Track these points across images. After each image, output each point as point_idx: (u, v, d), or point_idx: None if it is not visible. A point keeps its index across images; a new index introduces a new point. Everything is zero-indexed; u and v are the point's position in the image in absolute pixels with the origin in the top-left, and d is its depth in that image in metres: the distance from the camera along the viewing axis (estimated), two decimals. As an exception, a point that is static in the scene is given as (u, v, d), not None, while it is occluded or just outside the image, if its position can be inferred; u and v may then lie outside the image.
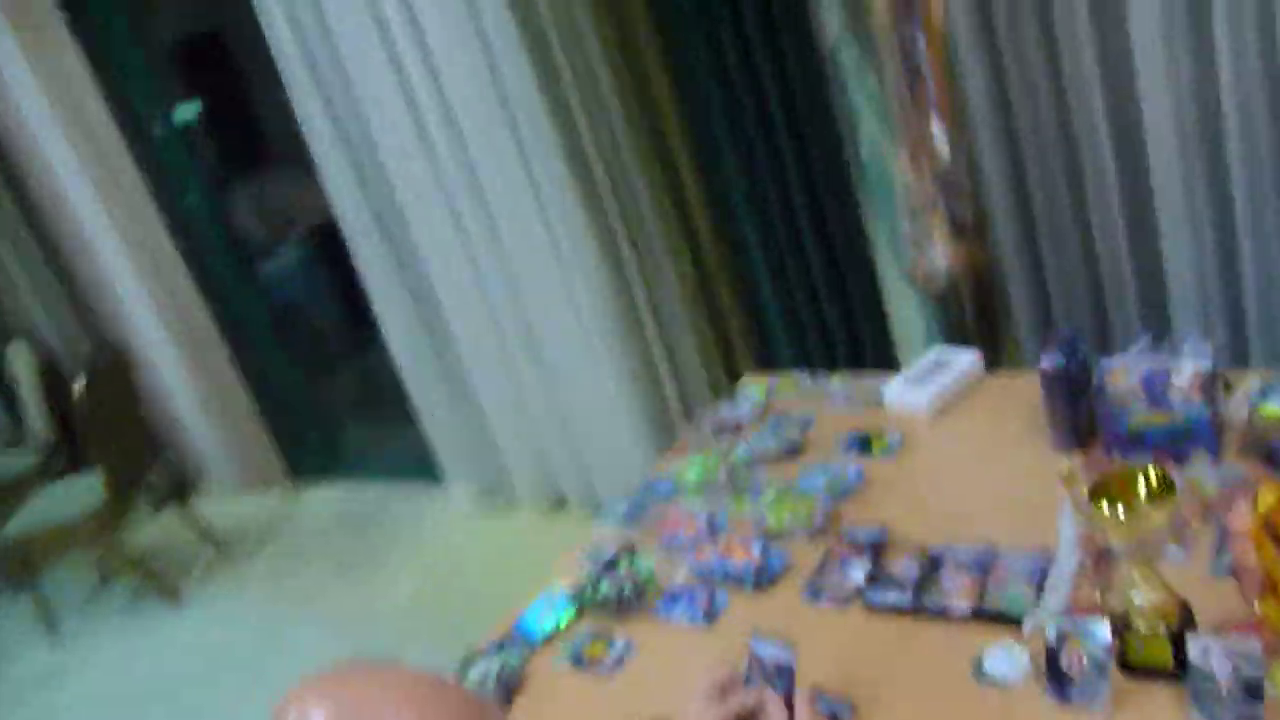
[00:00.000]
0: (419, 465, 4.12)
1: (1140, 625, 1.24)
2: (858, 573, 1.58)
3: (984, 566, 1.49)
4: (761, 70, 2.76)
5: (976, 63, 2.36)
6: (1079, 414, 1.69)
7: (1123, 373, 1.60)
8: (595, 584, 1.72)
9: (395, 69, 3.14)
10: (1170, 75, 2.16)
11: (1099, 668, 1.23)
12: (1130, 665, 1.25)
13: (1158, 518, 1.17)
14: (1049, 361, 1.68)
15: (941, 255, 2.42)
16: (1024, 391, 1.94)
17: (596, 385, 3.32)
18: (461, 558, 3.77)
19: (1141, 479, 1.23)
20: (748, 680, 1.30)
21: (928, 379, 2.02)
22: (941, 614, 1.45)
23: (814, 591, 1.58)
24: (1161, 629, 1.23)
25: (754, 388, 2.27)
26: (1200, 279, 2.31)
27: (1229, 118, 2.14)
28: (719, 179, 3.02)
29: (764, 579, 1.64)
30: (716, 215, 3.08)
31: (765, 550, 1.69)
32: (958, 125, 2.39)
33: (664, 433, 3.25)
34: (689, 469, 2.00)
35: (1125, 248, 2.37)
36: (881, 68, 2.41)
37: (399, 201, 3.42)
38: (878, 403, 2.06)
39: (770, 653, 1.29)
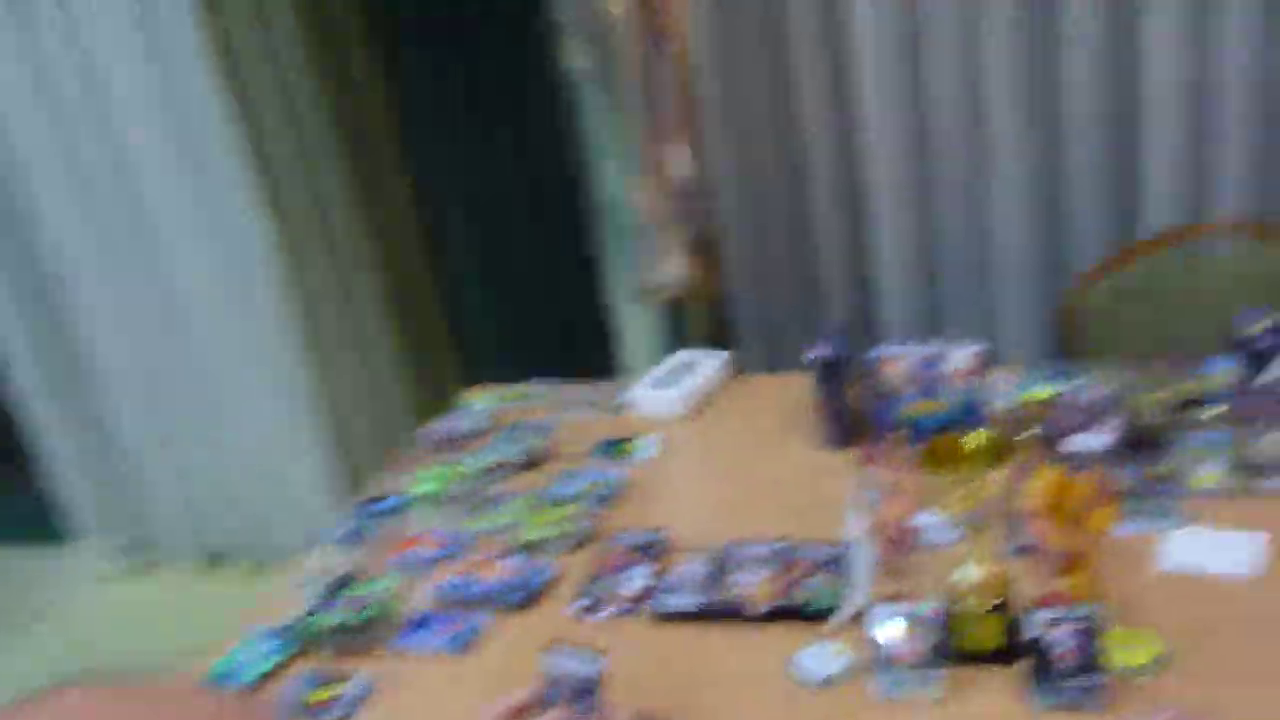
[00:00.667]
0: (36, 523, 3.45)
1: (970, 604, 1.15)
2: (639, 579, 1.39)
3: (782, 562, 1.36)
4: (485, 81, 2.59)
5: (716, 86, 2.33)
6: (847, 406, 1.62)
7: (895, 361, 1.55)
8: (315, 615, 1.41)
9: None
10: (891, 105, 2.23)
11: (931, 654, 1.11)
12: (960, 650, 1.15)
13: (994, 483, 1.08)
14: (820, 351, 1.60)
15: (675, 269, 2.34)
16: (777, 392, 1.87)
17: (270, 419, 2.92)
18: (99, 625, 3.16)
19: (972, 444, 1.14)
20: (547, 704, 1.07)
21: (676, 381, 1.89)
22: (741, 614, 1.29)
23: (590, 603, 1.38)
24: (991, 607, 1.14)
25: (480, 400, 2.04)
26: (905, 292, 2.38)
27: (937, 135, 2.23)
28: (430, 193, 2.79)
29: (527, 596, 1.41)
30: (424, 230, 2.83)
31: (524, 564, 1.46)
32: (696, 146, 2.36)
33: (352, 471, 2.90)
34: (420, 483, 1.73)
35: (845, 264, 2.40)
36: (619, 89, 2.35)
37: (26, 198, 2.87)
38: (623, 408, 1.90)
39: (570, 667, 1.07)
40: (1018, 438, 1.42)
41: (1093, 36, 2.06)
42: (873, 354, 1.58)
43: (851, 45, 2.21)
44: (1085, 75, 2.09)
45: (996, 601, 1.14)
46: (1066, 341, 2.01)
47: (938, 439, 1.14)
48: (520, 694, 1.06)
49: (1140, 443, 1.48)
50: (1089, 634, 1.06)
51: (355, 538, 1.62)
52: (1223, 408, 1.53)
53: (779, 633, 1.26)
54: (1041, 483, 1.34)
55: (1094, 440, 1.46)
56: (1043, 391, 1.54)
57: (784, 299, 2.45)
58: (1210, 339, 1.75)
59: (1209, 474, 1.40)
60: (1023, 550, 1.32)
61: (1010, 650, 1.14)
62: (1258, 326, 1.44)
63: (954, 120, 2.20)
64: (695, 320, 2.42)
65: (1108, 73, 2.08)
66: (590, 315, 2.68)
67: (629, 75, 2.37)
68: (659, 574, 1.39)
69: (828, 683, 1.17)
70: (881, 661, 1.13)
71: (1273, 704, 1.03)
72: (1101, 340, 1.91)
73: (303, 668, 1.36)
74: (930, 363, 1.53)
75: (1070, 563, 1.27)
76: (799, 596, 1.29)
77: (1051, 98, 2.13)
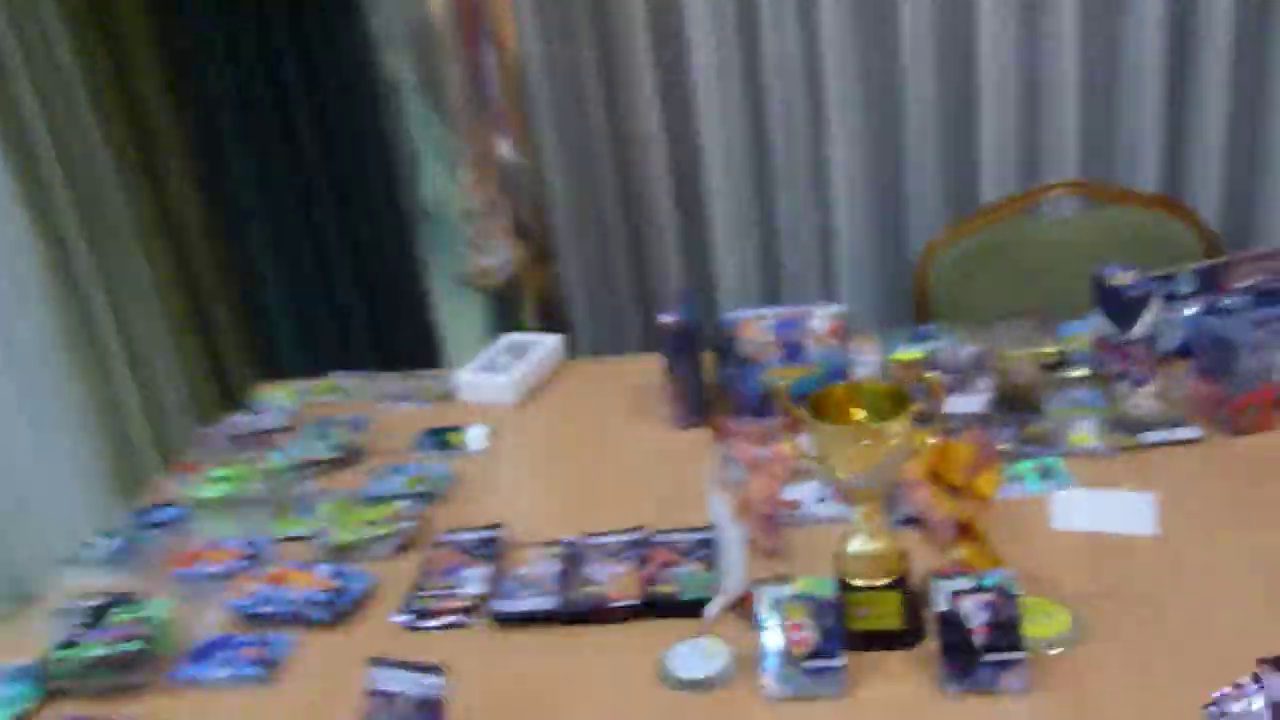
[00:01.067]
0: None
1: (864, 580, 1.00)
2: (476, 582, 1.18)
3: (640, 552, 1.18)
4: (290, 74, 2.33)
5: (544, 74, 2.15)
6: (700, 378, 1.47)
7: (754, 325, 1.41)
8: (69, 649, 1.14)
9: None
10: (722, 94, 2.11)
11: (823, 641, 0.96)
12: (856, 633, 1.00)
13: (892, 439, 0.94)
14: (670, 317, 1.43)
15: (502, 257, 2.15)
16: (616, 374, 1.71)
17: (32, 431, 2.52)
18: None
19: (867, 398, 1.00)
20: (370, 731, 0.86)
21: (506, 366, 1.69)
22: (599, 613, 1.11)
23: (417, 612, 1.16)
24: (888, 582, 1.00)
25: (279, 394, 1.78)
26: (743, 276, 2.27)
27: (775, 132, 2.12)
28: (225, 186, 2.48)
29: (342, 608, 1.18)
30: (218, 226, 2.52)
31: (338, 573, 1.23)
32: (523, 133, 2.18)
33: (135, 486, 2.54)
34: (206, 487, 1.46)
35: (681, 247, 2.26)
36: (442, 86, 2.16)
37: None
38: (448, 397, 1.69)
39: (401, 686, 0.86)
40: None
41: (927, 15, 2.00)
42: (727, 319, 1.43)
43: (683, 28, 2.08)
44: (923, 59, 2.03)
45: (893, 576, 1.00)
46: (918, 310, 1.92)
47: (823, 391, 0.99)
48: None
49: (1013, 403, 1.38)
50: (1003, 604, 0.93)
51: (126, 554, 1.34)
52: (1087, 368, 1.46)
53: (644, 632, 1.09)
54: (919, 450, 1.22)
55: (967, 403, 1.35)
56: (909, 353, 1.42)
57: (619, 283, 2.29)
58: (1060, 301, 1.70)
59: (1085, 433, 1.32)
60: (907, 523, 1.19)
61: (912, 630, 1.00)
62: (1125, 277, 1.36)
63: (790, 98, 2.10)
64: (525, 308, 2.23)
65: (943, 55, 2.03)
66: (410, 309, 2.45)
67: (452, 71, 2.19)
68: (499, 575, 1.19)
69: (707, 685, 0.99)
70: (768, 655, 0.97)
71: (1195, 665, 0.92)
72: (952, 308, 1.83)
73: (54, 715, 1.09)
74: (790, 323, 1.39)
75: (960, 532, 1.15)
76: (664, 589, 1.12)
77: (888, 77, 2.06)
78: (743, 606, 1.09)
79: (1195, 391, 1.34)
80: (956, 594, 0.94)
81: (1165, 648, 0.96)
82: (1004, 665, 0.93)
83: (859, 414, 0.99)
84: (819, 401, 0.98)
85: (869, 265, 2.17)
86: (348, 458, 1.53)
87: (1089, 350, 1.47)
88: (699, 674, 1.01)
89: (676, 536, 1.20)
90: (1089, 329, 1.49)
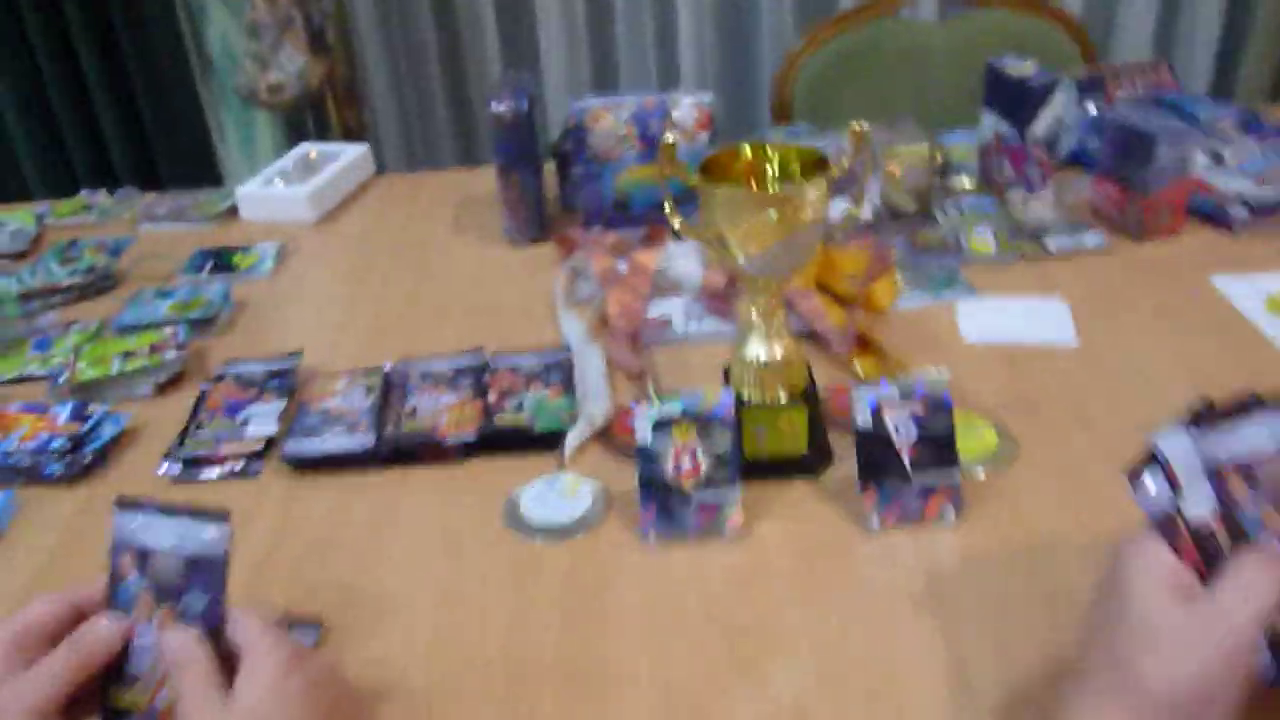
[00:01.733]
0: None
1: (757, 396, 0.81)
2: (264, 421, 0.93)
3: (475, 379, 0.95)
4: None
5: None
6: (540, 181, 1.23)
7: (606, 115, 1.17)
8: None
9: None
10: None
11: (715, 469, 0.76)
12: (755, 458, 0.81)
13: (805, 208, 0.73)
14: (505, 105, 1.18)
15: (294, 71, 1.81)
16: (434, 188, 1.46)
17: None
18: None
19: (773, 161, 0.79)
20: (115, 599, 0.61)
21: (300, 179, 1.40)
22: (430, 451, 0.88)
23: (187, 460, 0.90)
24: (785, 397, 0.81)
25: (12, 216, 1.43)
26: (575, 89, 2.03)
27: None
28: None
29: (86, 457, 0.90)
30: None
31: (79, 412, 0.95)
32: None
33: None
34: (-97, 318, 1.13)
35: (503, 60, 1.99)
36: None
37: None
38: (227, 216, 1.39)
39: (167, 536, 0.61)
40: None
41: None
42: (575, 107, 1.19)
43: None
44: None
45: (797, 391, 0.81)
46: (776, 121, 1.73)
47: (718, 154, 0.77)
48: (83, 589, 0.60)
49: (899, 210, 1.21)
50: (935, 416, 0.76)
51: None
52: (976, 176, 1.30)
53: (487, 472, 0.87)
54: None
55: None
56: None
57: (433, 101, 2.00)
58: (931, 111, 1.53)
59: (984, 241, 1.16)
60: (798, 336, 1.00)
61: (820, 454, 0.82)
62: (1026, 68, 1.20)
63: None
64: (327, 128, 1.91)
65: None
66: (185, 130, 2.08)
67: None
68: (294, 412, 0.94)
69: (569, 530, 0.79)
70: (648, 488, 0.77)
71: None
72: (815, 119, 1.64)
73: None
74: (650, 113, 1.17)
75: (857, 344, 0.97)
76: (510, 420, 0.90)
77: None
78: (610, 437, 0.89)
79: (1100, 194, 1.20)
80: (880, 406, 0.75)
81: (1100, 460, 0.82)
82: (936, 490, 0.76)
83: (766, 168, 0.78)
84: (712, 166, 0.76)
85: (715, 74, 1.96)
86: (101, 284, 1.23)
87: (973, 159, 1.31)
88: (559, 517, 0.80)
89: (521, 360, 0.98)
90: (970, 138, 1.33)
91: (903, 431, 0.76)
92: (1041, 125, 1.18)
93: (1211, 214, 1.18)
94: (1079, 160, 1.32)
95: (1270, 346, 0.95)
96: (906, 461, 0.75)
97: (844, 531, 0.77)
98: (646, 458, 0.76)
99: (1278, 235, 1.14)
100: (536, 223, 1.23)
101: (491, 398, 0.92)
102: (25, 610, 0.59)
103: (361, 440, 0.88)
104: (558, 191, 1.31)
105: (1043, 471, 0.81)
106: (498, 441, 0.88)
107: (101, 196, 1.47)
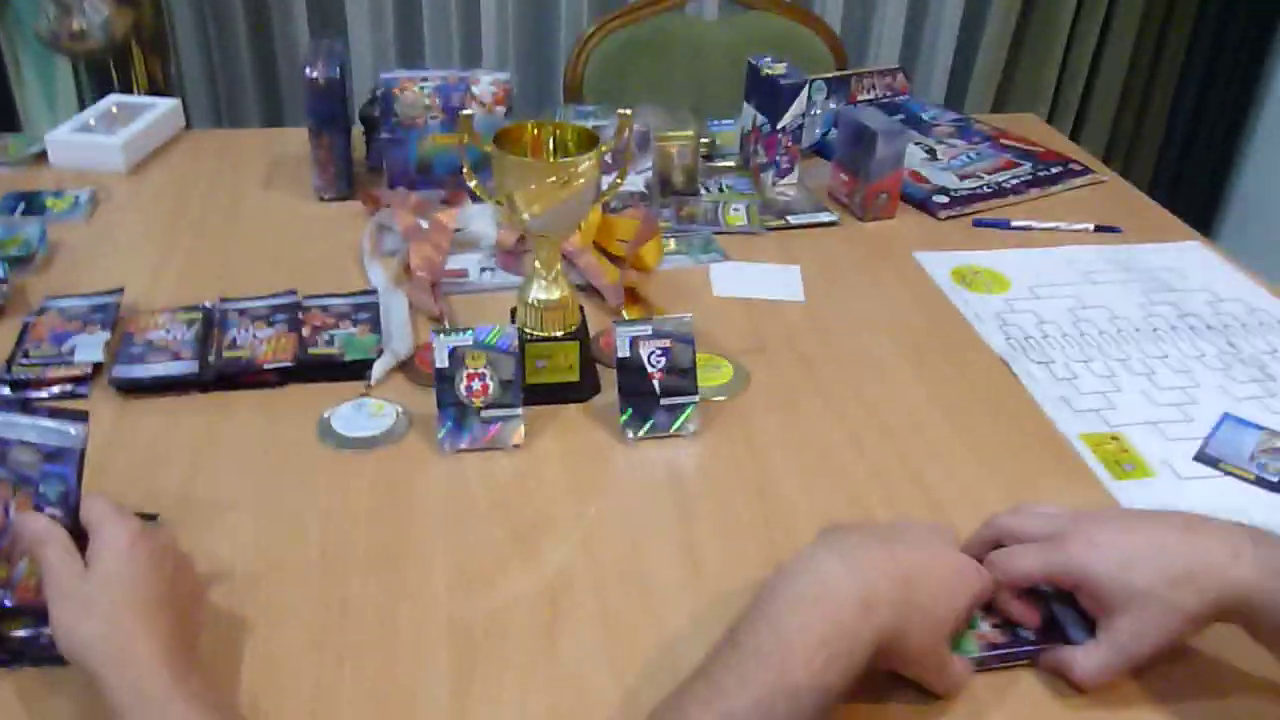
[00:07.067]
0: None
1: (538, 332, 0.97)
2: (89, 349, 1.02)
3: (291, 316, 1.07)
4: None
5: None
6: (349, 144, 1.35)
7: (412, 86, 1.30)
8: None
9: None
10: None
11: (500, 393, 0.92)
12: (534, 385, 0.97)
13: (579, 177, 0.90)
14: (319, 71, 1.29)
15: (98, 18, 1.83)
16: (243, 144, 1.55)
17: None
18: None
19: (554, 136, 0.95)
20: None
21: (109, 129, 1.46)
22: (250, 376, 1.00)
23: (15, 383, 0.98)
24: (561, 334, 0.98)
25: None
26: (381, 61, 2.11)
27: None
28: None
29: (-89, 381, 0.97)
30: None
31: (-97, 340, 1.01)
32: None
33: None
34: None
35: (311, 26, 2.05)
36: None
37: None
38: (35, 161, 1.43)
39: (25, 431, 0.72)
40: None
41: None
42: (384, 77, 1.31)
43: None
44: None
45: (570, 328, 0.98)
46: (567, 100, 1.89)
47: (509, 128, 0.92)
48: None
49: (672, 185, 1.40)
50: (679, 349, 0.94)
51: None
52: (736, 159, 1.50)
53: (302, 395, 0.99)
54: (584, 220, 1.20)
55: (630, 180, 1.35)
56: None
57: (239, 58, 2.04)
58: (706, 98, 1.73)
59: (737, 214, 1.36)
60: (577, 290, 1.17)
61: (589, 382, 1.00)
62: (779, 67, 1.40)
63: None
64: (131, 77, 1.93)
65: None
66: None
67: None
68: (119, 342, 1.03)
69: (374, 442, 0.93)
70: (444, 406, 0.92)
71: (839, 407, 0.99)
72: (606, 98, 1.81)
73: None
74: (453, 87, 1.30)
75: (627, 297, 1.15)
76: (323, 351, 1.02)
77: None
78: (412, 368, 1.03)
79: (835, 180, 1.42)
80: (635, 339, 0.93)
81: (815, 393, 1.02)
82: (681, 409, 0.94)
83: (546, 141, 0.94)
84: (504, 138, 0.92)
85: (515, 54, 2.10)
86: (-97, 223, 1.26)
87: (736, 144, 1.52)
88: (366, 432, 0.94)
89: (332, 301, 1.10)
90: (735, 125, 1.53)
91: (654, 361, 0.94)
92: (789, 118, 1.39)
93: (921, 200, 1.42)
94: (821, 151, 1.55)
95: (952, 307, 1.19)
96: (656, 385, 0.94)
97: (607, 444, 0.94)
98: (442, 379, 0.91)
99: (967, 221, 1.39)
100: (345, 180, 1.35)
101: (305, 331, 1.04)
102: None
103: (187, 366, 0.99)
104: (364, 153, 1.43)
105: (768, 400, 1.01)
106: (311, 369, 1.01)
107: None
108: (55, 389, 0.98)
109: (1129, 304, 1.20)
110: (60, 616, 0.65)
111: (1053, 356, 1.09)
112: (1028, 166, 1.51)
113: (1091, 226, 1.37)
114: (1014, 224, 1.37)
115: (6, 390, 0.98)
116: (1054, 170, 1.51)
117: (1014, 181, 1.47)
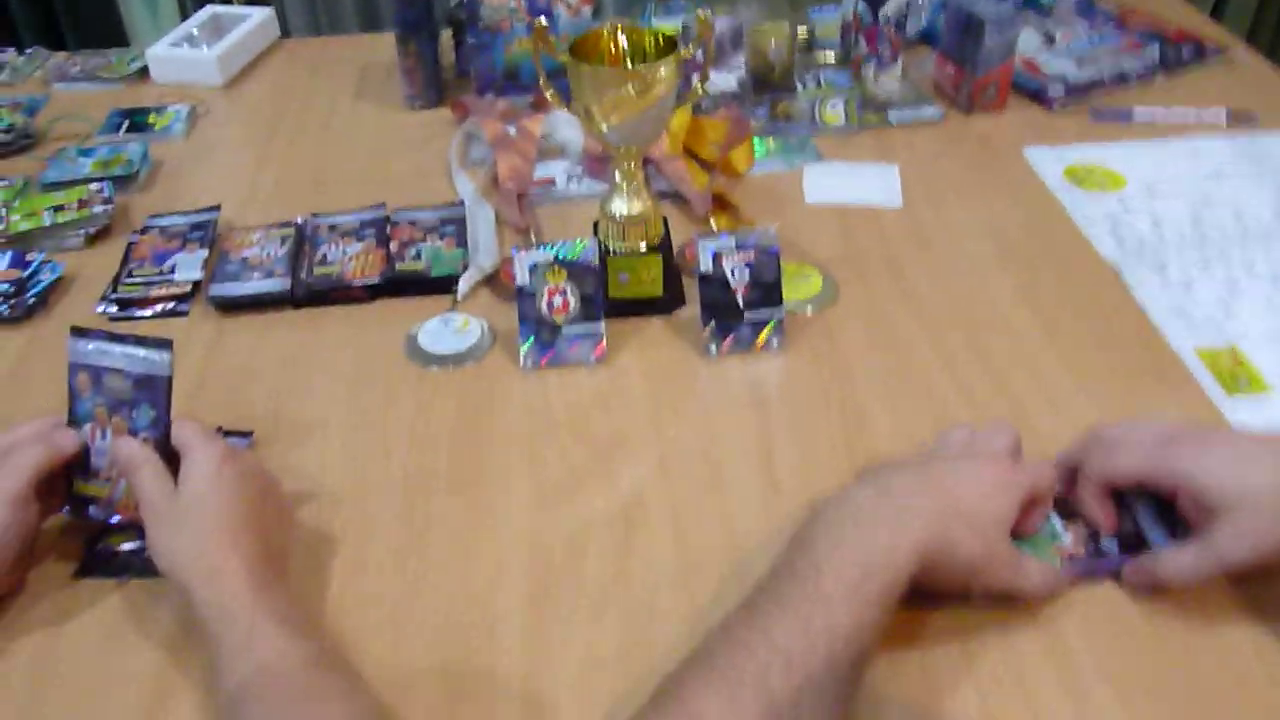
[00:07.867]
0: None
1: (620, 246, 0.95)
2: (190, 268, 1.05)
3: (379, 231, 1.08)
4: None
5: None
6: (437, 53, 1.33)
7: (493, -11, 1.27)
8: None
9: None
10: None
11: (582, 308, 0.91)
12: (617, 299, 0.96)
13: (658, 84, 0.86)
14: (402, -22, 1.27)
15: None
16: (337, 53, 1.55)
17: None
18: None
19: (632, 43, 0.91)
20: (74, 412, 0.74)
21: (208, 41, 1.47)
22: (339, 293, 1.01)
23: (121, 301, 1.02)
24: (650, 246, 0.96)
25: (-79, 73, 1.48)
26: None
27: None
28: None
29: (30, 300, 1.02)
30: None
31: (19, 260, 1.05)
32: None
33: None
34: None
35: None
36: None
37: None
38: (138, 78, 1.46)
39: (118, 360, 0.74)
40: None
41: None
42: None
43: None
44: None
45: (654, 242, 0.96)
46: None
47: (585, 35, 0.89)
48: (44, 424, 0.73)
49: (766, 82, 1.34)
50: (764, 263, 0.91)
51: None
52: (836, 50, 1.43)
53: (389, 310, 1.00)
54: (673, 122, 1.17)
55: (721, 79, 1.30)
56: (663, 27, 1.34)
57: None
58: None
59: (834, 112, 1.30)
60: (663, 198, 1.15)
61: (673, 296, 0.98)
62: (880, -48, 1.32)
63: None
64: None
65: None
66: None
67: None
68: (216, 260, 1.06)
69: (460, 359, 0.94)
70: (526, 322, 0.91)
71: (935, 321, 0.95)
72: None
73: None
74: (538, -9, 1.27)
75: (716, 205, 1.12)
76: (410, 266, 1.03)
77: None
78: (497, 283, 1.03)
79: (941, 72, 1.34)
80: (718, 253, 0.91)
81: (906, 306, 0.99)
82: (764, 324, 0.92)
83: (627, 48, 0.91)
84: (581, 46, 0.89)
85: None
86: (19, 142, 1.30)
87: (836, 35, 1.44)
88: (451, 348, 0.94)
89: (419, 215, 1.11)
90: (836, 13, 1.46)
91: (737, 275, 0.91)
92: (892, 5, 1.32)
93: (1035, 91, 1.33)
94: (928, 40, 1.46)
95: (1061, 210, 1.12)
96: (740, 300, 0.91)
97: (688, 360, 0.93)
98: (524, 296, 0.90)
99: (1084, 112, 1.30)
100: (433, 89, 1.34)
101: (393, 247, 1.05)
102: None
103: (279, 283, 1.01)
104: (453, 59, 1.41)
105: (856, 313, 0.98)
106: (399, 285, 1.01)
107: (11, 55, 1.51)
108: (158, 307, 1.02)
109: (1259, 202, 1.11)
110: (154, 536, 0.68)
111: (1167, 261, 1.02)
112: (1154, 49, 1.40)
113: (1224, 115, 1.27)
114: (1136, 115, 1.28)
115: (115, 308, 1.02)
116: (1185, 53, 1.39)
117: (1139, 67, 1.36)
